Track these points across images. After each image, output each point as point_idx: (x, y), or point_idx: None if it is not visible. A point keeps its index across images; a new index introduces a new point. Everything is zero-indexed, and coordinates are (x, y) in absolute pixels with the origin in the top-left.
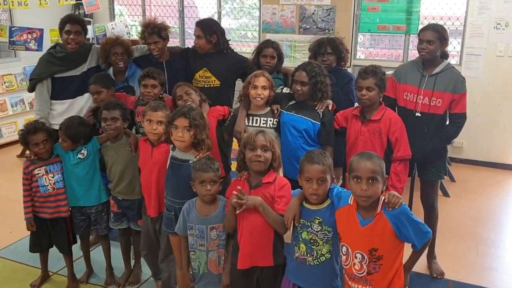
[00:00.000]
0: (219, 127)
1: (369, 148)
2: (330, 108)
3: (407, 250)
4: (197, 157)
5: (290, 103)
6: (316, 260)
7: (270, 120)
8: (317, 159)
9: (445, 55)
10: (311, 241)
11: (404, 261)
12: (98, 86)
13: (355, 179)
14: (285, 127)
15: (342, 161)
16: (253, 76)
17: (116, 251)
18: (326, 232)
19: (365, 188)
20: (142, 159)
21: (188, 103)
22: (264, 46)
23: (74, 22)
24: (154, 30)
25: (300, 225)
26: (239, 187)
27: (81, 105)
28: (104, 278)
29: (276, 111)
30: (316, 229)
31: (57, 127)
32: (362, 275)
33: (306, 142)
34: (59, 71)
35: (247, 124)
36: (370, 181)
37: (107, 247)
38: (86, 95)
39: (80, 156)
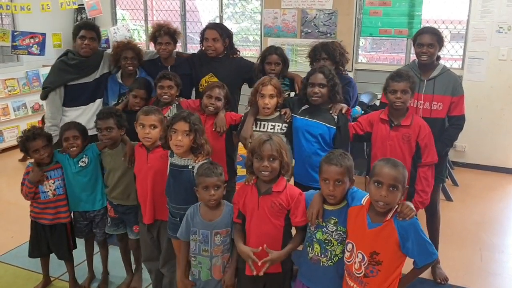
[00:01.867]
0: (230, 132)
1: (398, 153)
2: (344, 111)
3: (408, 265)
4: (197, 162)
5: (303, 107)
6: (330, 261)
7: (279, 126)
8: (335, 160)
9: (438, 58)
10: (326, 241)
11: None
12: (143, 92)
13: (376, 184)
14: (299, 132)
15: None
16: (260, 84)
17: (118, 256)
18: (341, 232)
19: (384, 194)
20: (137, 165)
21: (211, 107)
22: (267, 54)
23: (89, 28)
24: (169, 31)
25: (315, 225)
26: (259, 262)
27: (93, 111)
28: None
29: (284, 114)
30: (331, 230)
31: None
32: (359, 275)
33: (321, 148)
34: (72, 78)
35: (254, 129)
36: (391, 188)
37: (105, 253)
38: (98, 101)
39: (81, 164)
